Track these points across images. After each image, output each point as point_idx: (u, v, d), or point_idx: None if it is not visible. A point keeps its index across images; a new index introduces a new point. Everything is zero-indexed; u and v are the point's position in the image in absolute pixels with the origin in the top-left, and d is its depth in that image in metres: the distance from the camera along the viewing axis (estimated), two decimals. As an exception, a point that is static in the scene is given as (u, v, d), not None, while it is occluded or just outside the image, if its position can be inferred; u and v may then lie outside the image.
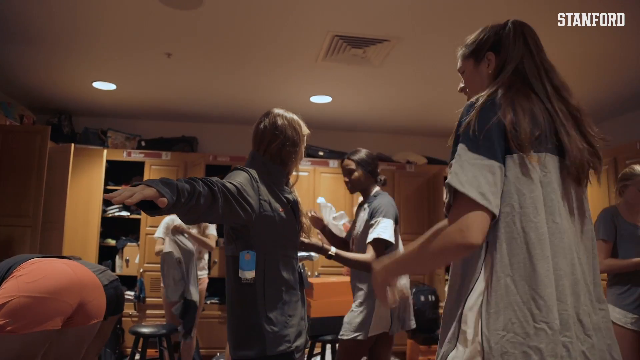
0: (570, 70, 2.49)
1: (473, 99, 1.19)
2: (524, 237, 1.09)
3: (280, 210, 1.71)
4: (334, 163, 5.50)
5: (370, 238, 2.47)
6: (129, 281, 5.06)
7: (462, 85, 1.43)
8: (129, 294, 4.95)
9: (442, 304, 5.05)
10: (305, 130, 1.94)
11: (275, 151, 1.80)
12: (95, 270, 3.04)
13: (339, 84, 4.33)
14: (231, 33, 3.31)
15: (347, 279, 3.95)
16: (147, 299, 4.89)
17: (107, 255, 5.11)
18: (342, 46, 3.42)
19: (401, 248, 2.74)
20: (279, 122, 1.84)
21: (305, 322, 1.77)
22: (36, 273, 1.94)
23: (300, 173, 5.66)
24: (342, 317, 3.58)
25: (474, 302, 1.11)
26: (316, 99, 4.75)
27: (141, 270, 4.96)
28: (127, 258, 5.03)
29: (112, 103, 5.03)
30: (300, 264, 1.83)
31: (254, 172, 1.72)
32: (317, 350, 3.93)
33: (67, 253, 4.39)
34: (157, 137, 5.50)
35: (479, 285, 1.11)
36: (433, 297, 5.01)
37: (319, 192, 5.39)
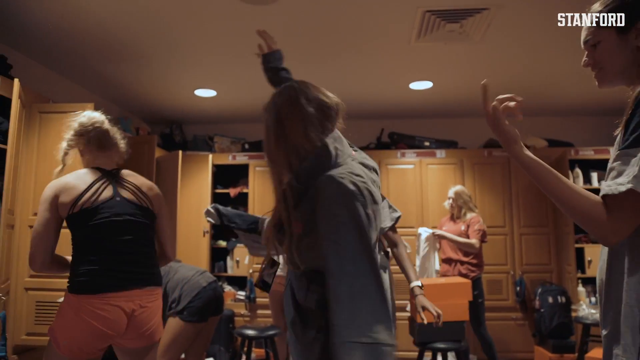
0: None
1: None
2: None
3: None
4: (441, 153, 5.13)
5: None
6: (240, 281, 5.18)
7: (587, 59, 1.17)
8: (240, 294, 5.07)
9: (574, 307, 4.45)
10: None
11: None
12: (194, 272, 3.10)
13: (439, 66, 3.98)
14: (316, 23, 3.17)
15: (458, 279, 3.60)
16: (257, 299, 4.95)
17: (218, 257, 5.28)
18: (435, 22, 3.10)
19: None
20: None
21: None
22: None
23: (405, 166, 5.39)
24: (452, 323, 3.27)
25: None
26: (416, 86, 4.43)
27: (251, 270, 5.05)
28: (237, 259, 5.15)
29: (215, 109, 5.19)
30: None
31: None
32: (428, 358, 3.63)
33: (181, 255, 4.60)
34: (260, 139, 5.57)
35: None
36: (563, 299, 4.42)
37: (427, 185, 5.06)
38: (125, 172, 2.10)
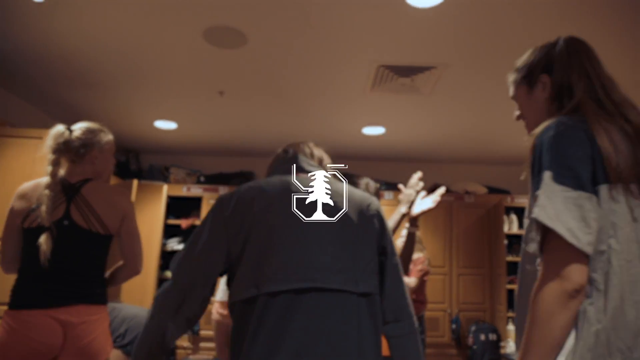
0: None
1: (547, 124, 1.08)
2: (620, 278, 0.95)
3: None
4: (389, 195, 5.40)
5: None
6: (187, 313, 5.15)
7: (517, 112, 1.33)
8: (186, 326, 5.04)
9: (503, 344, 4.73)
10: None
11: None
12: (140, 310, 3.12)
13: (392, 114, 4.28)
14: (278, 69, 3.38)
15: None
16: (201, 332, 4.94)
17: (166, 288, 5.24)
18: (388, 76, 3.39)
19: None
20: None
21: None
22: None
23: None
24: (386, 358, 3.42)
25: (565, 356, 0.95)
26: (369, 130, 4.72)
27: (198, 302, 5.04)
28: (185, 290, 5.13)
29: (174, 141, 5.26)
30: None
31: None
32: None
33: (128, 285, 4.55)
34: (217, 172, 5.67)
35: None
36: (495, 336, 4.70)
37: (374, 224, 5.29)
38: (88, 188, 1.97)
